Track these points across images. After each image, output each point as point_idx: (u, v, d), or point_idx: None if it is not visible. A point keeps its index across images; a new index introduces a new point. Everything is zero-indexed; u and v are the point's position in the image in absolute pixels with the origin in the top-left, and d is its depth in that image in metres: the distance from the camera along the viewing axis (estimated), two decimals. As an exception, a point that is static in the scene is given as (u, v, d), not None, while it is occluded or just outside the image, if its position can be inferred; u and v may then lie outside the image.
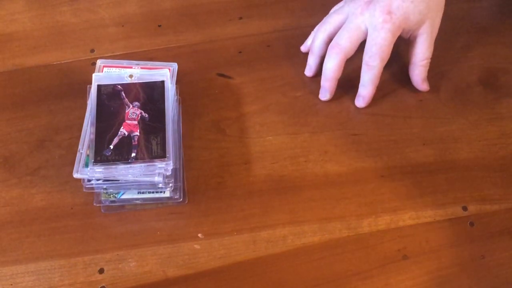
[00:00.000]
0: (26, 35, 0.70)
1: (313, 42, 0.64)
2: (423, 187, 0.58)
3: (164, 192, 0.57)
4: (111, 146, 0.54)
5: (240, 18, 0.71)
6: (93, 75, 0.59)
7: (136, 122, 0.56)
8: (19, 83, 0.66)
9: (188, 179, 0.59)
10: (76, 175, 0.54)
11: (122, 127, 0.55)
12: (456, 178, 0.59)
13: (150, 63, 0.63)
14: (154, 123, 0.56)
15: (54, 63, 0.68)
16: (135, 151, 0.54)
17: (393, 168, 0.59)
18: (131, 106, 0.57)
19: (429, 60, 0.63)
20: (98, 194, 0.57)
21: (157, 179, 0.54)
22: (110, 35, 0.70)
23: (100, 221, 0.57)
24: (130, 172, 0.54)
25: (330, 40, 0.62)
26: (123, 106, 0.57)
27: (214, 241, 0.56)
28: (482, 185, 0.58)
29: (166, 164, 0.54)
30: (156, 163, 0.54)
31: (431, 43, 0.62)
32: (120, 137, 0.55)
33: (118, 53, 0.68)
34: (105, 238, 0.56)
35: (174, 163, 0.55)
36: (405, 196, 0.58)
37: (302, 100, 0.64)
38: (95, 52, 0.68)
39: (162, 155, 0.54)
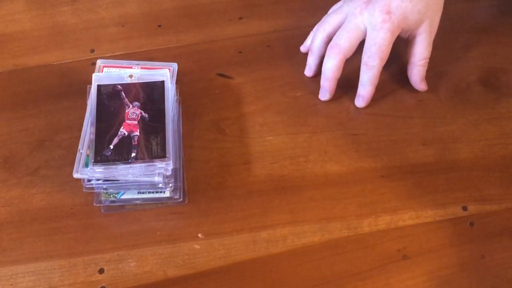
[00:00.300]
0: (26, 35, 0.70)
1: (312, 42, 0.64)
2: (423, 187, 0.58)
3: (164, 192, 0.57)
4: (111, 146, 0.54)
5: (240, 18, 0.71)
6: (93, 75, 0.59)
7: (136, 122, 0.56)
8: (19, 83, 0.66)
9: (188, 179, 0.59)
10: (76, 175, 0.54)
11: (122, 127, 0.55)
12: (456, 178, 0.59)
13: (150, 63, 0.63)
14: (154, 123, 0.56)
15: (54, 63, 0.68)
16: (135, 151, 0.54)
17: (393, 168, 0.59)
18: (131, 106, 0.57)
19: (428, 60, 0.63)
20: (98, 194, 0.57)
21: (157, 179, 0.54)
22: (110, 35, 0.70)
23: (100, 221, 0.57)
24: (130, 172, 0.54)
25: (329, 40, 0.62)
26: (123, 106, 0.57)
27: (214, 241, 0.56)
28: (482, 185, 0.58)
29: (166, 164, 0.54)
30: (156, 163, 0.54)
31: (429, 43, 0.62)
32: (120, 137, 0.55)
33: (118, 53, 0.68)
34: (105, 238, 0.56)
35: (174, 163, 0.55)
36: (405, 196, 0.58)
37: (302, 100, 0.64)
38: (95, 52, 0.68)
39: (162, 155, 0.54)
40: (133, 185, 0.55)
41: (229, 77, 0.66)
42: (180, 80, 0.63)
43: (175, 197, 0.57)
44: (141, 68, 0.62)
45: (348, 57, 0.62)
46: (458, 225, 0.56)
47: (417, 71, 0.63)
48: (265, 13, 0.71)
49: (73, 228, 0.56)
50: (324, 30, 0.63)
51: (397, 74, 0.65)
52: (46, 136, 0.62)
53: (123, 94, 0.58)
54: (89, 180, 0.55)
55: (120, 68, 0.62)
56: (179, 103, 0.62)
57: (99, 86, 0.58)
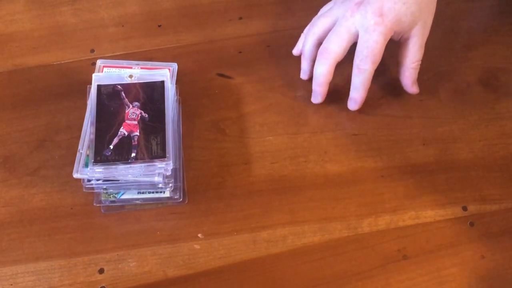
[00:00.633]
0: (26, 35, 0.70)
1: (304, 47, 0.64)
2: (423, 187, 0.58)
3: (164, 192, 0.57)
4: (111, 146, 0.54)
5: (240, 18, 0.71)
6: (93, 75, 0.59)
7: (136, 122, 0.56)
8: (19, 83, 0.66)
9: (188, 179, 0.59)
10: (76, 175, 0.54)
11: (122, 127, 0.55)
12: (456, 178, 0.59)
13: (150, 63, 0.63)
14: (154, 123, 0.56)
15: (54, 63, 0.68)
16: (135, 151, 0.54)
17: (393, 168, 0.59)
18: (131, 106, 0.57)
19: (420, 62, 0.62)
20: (98, 194, 0.57)
21: (157, 179, 0.54)
22: (110, 35, 0.70)
23: (100, 221, 0.57)
24: (130, 172, 0.54)
25: (320, 43, 0.61)
26: (123, 106, 0.57)
27: (214, 241, 0.56)
28: (482, 185, 0.58)
29: (166, 164, 0.54)
30: (156, 163, 0.54)
31: (422, 45, 0.61)
32: (120, 137, 0.55)
33: (118, 53, 0.68)
34: (105, 238, 0.56)
35: (174, 163, 0.55)
36: (405, 196, 0.58)
37: (302, 100, 0.64)
38: (95, 52, 0.68)
39: (162, 155, 0.54)
40: (133, 185, 0.55)
41: (229, 77, 0.66)
42: (180, 80, 0.63)
43: (175, 197, 0.57)
44: (141, 68, 0.62)
45: (339, 60, 0.60)
46: (458, 225, 0.56)
47: (409, 74, 0.62)
48: (265, 13, 0.71)
49: (73, 228, 0.56)
50: (314, 33, 0.62)
51: (397, 74, 0.65)
52: (46, 136, 0.62)
53: (123, 94, 0.58)
54: (89, 180, 0.55)
55: (120, 68, 0.62)
56: (179, 103, 0.62)
57: (99, 86, 0.58)
